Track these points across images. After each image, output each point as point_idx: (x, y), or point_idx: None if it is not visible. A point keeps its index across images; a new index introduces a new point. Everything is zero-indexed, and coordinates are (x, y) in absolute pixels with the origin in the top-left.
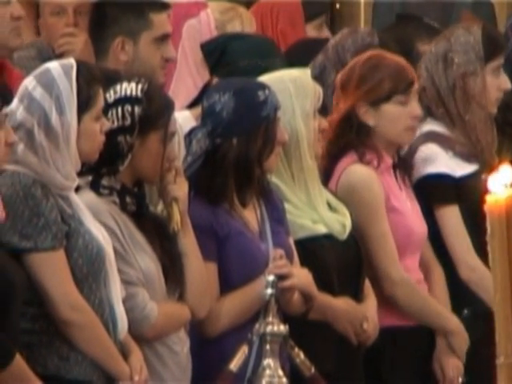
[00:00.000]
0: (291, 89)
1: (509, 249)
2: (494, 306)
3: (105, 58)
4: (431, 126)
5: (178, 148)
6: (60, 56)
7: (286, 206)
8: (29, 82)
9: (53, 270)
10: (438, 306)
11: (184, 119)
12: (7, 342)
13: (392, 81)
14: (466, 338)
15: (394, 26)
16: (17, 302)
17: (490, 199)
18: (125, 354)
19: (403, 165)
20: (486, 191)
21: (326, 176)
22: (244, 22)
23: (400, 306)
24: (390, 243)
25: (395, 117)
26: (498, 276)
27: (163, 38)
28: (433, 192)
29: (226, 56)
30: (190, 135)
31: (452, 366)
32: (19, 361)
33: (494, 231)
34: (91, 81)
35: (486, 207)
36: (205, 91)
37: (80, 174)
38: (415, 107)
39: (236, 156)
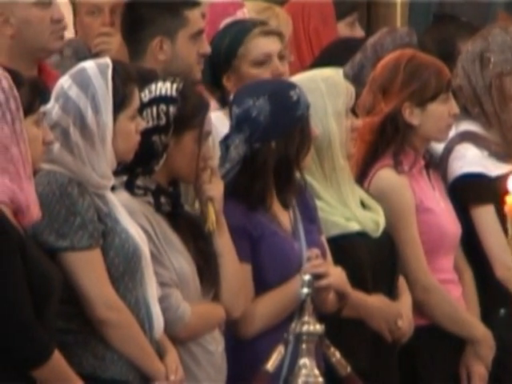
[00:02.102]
0: (323, 88)
1: None
2: None
3: (141, 59)
4: (467, 125)
5: (213, 148)
6: (96, 55)
7: (319, 203)
8: (64, 81)
9: (89, 269)
10: (465, 314)
11: (217, 119)
12: (45, 338)
13: (436, 80)
14: (492, 346)
15: (433, 26)
16: (54, 300)
17: (509, 200)
18: (160, 354)
19: (437, 164)
20: (506, 192)
21: (362, 176)
22: (280, 21)
23: (428, 311)
24: (419, 249)
25: (440, 116)
26: None
27: (198, 34)
28: (468, 192)
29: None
30: (225, 141)
31: (477, 373)
32: (58, 358)
33: None
34: (127, 80)
35: (507, 208)
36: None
37: (115, 174)
38: (454, 105)
39: (276, 159)
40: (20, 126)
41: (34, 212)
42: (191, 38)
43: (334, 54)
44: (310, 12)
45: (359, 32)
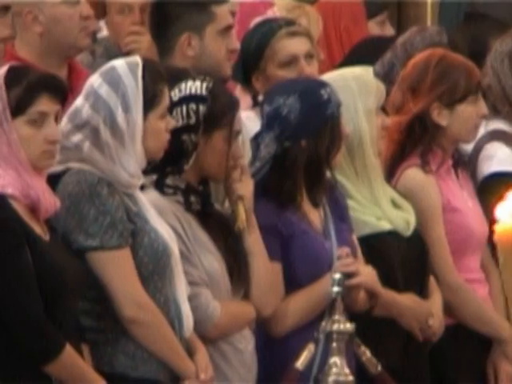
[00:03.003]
0: (354, 87)
1: None
2: None
3: (170, 56)
4: (496, 124)
5: (243, 146)
6: (127, 54)
7: (350, 202)
8: (95, 80)
9: (118, 268)
10: (492, 313)
11: (248, 119)
12: (55, 334)
13: (466, 81)
14: None
15: (464, 25)
16: (69, 297)
17: (499, 228)
18: (190, 353)
19: (466, 163)
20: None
21: (389, 175)
22: (310, 20)
23: (455, 311)
24: (446, 248)
25: (468, 117)
26: None
27: (227, 30)
28: (498, 190)
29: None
30: (256, 140)
31: (505, 372)
32: (71, 354)
33: (507, 261)
34: (157, 79)
35: (496, 237)
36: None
37: (145, 173)
38: (483, 106)
39: (306, 158)
40: (8, 126)
41: (50, 204)
42: (219, 34)
43: (364, 53)
44: (340, 11)
45: (390, 31)
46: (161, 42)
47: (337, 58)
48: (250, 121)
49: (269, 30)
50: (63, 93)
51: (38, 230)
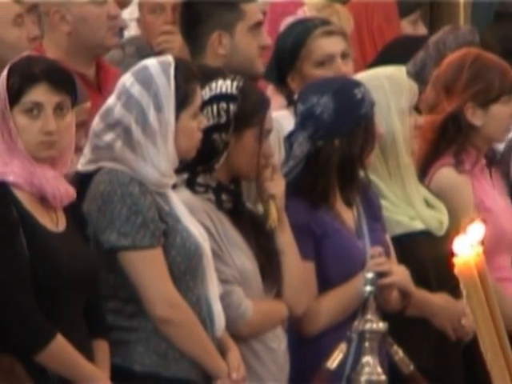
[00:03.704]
0: (386, 86)
1: (489, 306)
2: (488, 365)
3: (202, 55)
4: None
5: (279, 146)
6: (159, 54)
7: (383, 202)
8: (127, 79)
9: (150, 267)
10: None
11: (283, 118)
12: (45, 323)
13: (500, 81)
14: None
15: (495, 24)
16: (67, 290)
17: (458, 262)
18: (222, 352)
19: (498, 162)
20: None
21: (422, 175)
22: (341, 19)
23: None
24: None
25: (502, 117)
26: (486, 336)
27: (257, 26)
28: None
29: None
30: (289, 139)
31: None
32: (62, 344)
33: (470, 293)
34: (189, 78)
35: (456, 271)
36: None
37: (176, 172)
38: None
39: (339, 157)
40: (7, 115)
41: (59, 192)
42: (250, 31)
43: (396, 52)
44: (373, 10)
45: (422, 30)
46: (191, 41)
47: (370, 57)
48: (285, 120)
49: (304, 30)
50: (66, 85)
51: (45, 219)
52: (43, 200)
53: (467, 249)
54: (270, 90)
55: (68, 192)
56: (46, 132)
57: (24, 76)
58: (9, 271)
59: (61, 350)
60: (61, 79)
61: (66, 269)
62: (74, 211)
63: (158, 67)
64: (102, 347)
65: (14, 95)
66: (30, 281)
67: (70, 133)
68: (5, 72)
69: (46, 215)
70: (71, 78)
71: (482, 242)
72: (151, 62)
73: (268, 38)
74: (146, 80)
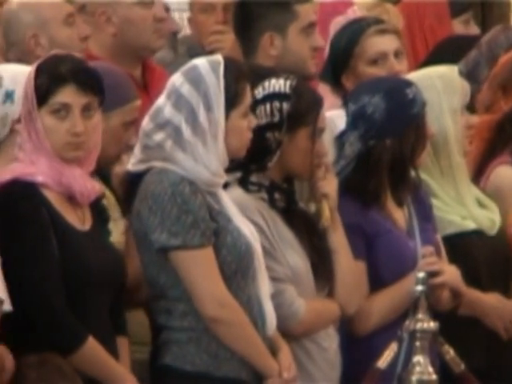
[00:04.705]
0: (439, 85)
1: None
2: None
3: (254, 56)
4: None
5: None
6: (210, 53)
7: (435, 202)
8: (176, 79)
9: (201, 267)
10: None
11: (338, 117)
12: (78, 325)
13: None
14: None
15: None
16: (95, 289)
17: None
18: (273, 351)
19: None
20: None
21: (479, 174)
22: (391, 18)
23: None
24: None
25: None
26: None
27: (310, 27)
28: None
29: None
30: (340, 138)
31: None
32: (93, 346)
33: None
34: (239, 77)
35: None
36: None
37: (229, 170)
38: None
39: (391, 157)
40: (35, 115)
41: (86, 189)
42: (302, 32)
43: (447, 52)
44: (424, 10)
45: (474, 30)
46: (244, 41)
47: (421, 57)
48: (339, 119)
49: (358, 28)
50: (93, 86)
51: (73, 218)
52: (70, 198)
53: None
54: (321, 89)
55: (94, 188)
56: (73, 133)
57: (52, 76)
58: (41, 273)
59: (92, 351)
60: (88, 80)
61: (95, 268)
62: (96, 206)
63: (208, 66)
64: (123, 344)
65: (42, 96)
66: (61, 282)
67: (96, 133)
68: (32, 72)
69: (73, 214)
70: (99, 79)
71: None
72: (201, 62)
73: (320, 39)
74: (195, 79)
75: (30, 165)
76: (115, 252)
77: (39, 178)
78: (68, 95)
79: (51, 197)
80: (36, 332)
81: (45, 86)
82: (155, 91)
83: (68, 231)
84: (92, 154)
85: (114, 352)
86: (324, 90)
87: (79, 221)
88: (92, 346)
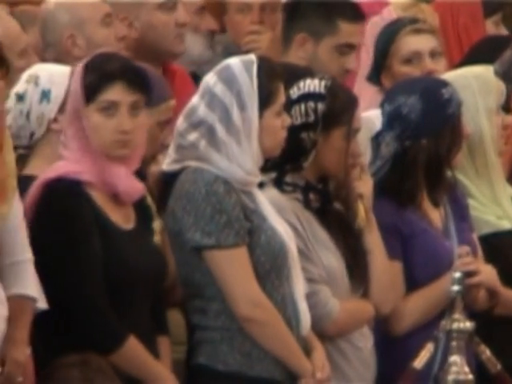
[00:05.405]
0: (474, 85)
1: None
2: None
3: (288, 53)
4: None
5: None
6: (246, 53)
7: (471, 202)
8: (210, 78)
9: (235, 266)
10: None
11: (377, 118)
12: (119, 325)
13: None
14: None
15: None
16: (137, 288)
17: None
18: (307, 351)
19: None
20: None
21: None
22: (427, 18)
23: None
24: None
25: None
26: None
27: (347, 47)
28: None
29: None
30: (376, 139)
31: None
32: (134, 345)
33: None
34: (272, 76)
35: None
36: None
37: (264, 170)
38: None
39: (427, 157)
40: (82, 113)
41: (131, 188)
42: (336, 48)
43: (483, 52)
44: (458, 9)
45: (503, 30)
46: (284, 35)
47: (455, 57)
48: (377, 120)
49: (395, 28)
50: (141, 84)
51: (117, 217)
52: (115, 197)
53: None
54: (368, 90)
55: (138, 187)
56: (121, 131)
57: (101, 74)
58: (84, 272)
59: (133, 351)
60: (136, 78)
61: (138, 267)
62: (140, 205)
63: (241, 66)
64: (164, 343)
65: (90, 93)
66: (103, 282)
67: (142, 131)
68: (79, 70)
69: (117, 212)
70: (146, 77)
71: None
72: (234, 61)
73: (353, 62)
74: (228, 79)
75: (75, 163)
76: (158, 251)
77: (84, 177)
78: (116, 93)
79: (96, 195)
80: (76, 332)
81: (93, 84)
82: (176, 93)
83: (112, 230)
84: (137, 153)
85: (154, 351)
86: (371, 90)
87: (123, 220)
88: (132, 346)
